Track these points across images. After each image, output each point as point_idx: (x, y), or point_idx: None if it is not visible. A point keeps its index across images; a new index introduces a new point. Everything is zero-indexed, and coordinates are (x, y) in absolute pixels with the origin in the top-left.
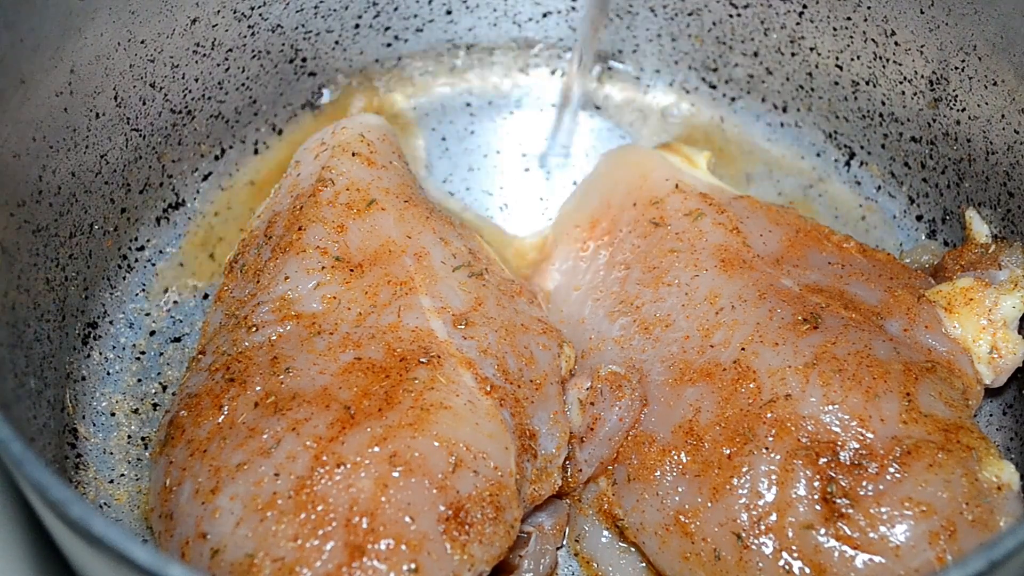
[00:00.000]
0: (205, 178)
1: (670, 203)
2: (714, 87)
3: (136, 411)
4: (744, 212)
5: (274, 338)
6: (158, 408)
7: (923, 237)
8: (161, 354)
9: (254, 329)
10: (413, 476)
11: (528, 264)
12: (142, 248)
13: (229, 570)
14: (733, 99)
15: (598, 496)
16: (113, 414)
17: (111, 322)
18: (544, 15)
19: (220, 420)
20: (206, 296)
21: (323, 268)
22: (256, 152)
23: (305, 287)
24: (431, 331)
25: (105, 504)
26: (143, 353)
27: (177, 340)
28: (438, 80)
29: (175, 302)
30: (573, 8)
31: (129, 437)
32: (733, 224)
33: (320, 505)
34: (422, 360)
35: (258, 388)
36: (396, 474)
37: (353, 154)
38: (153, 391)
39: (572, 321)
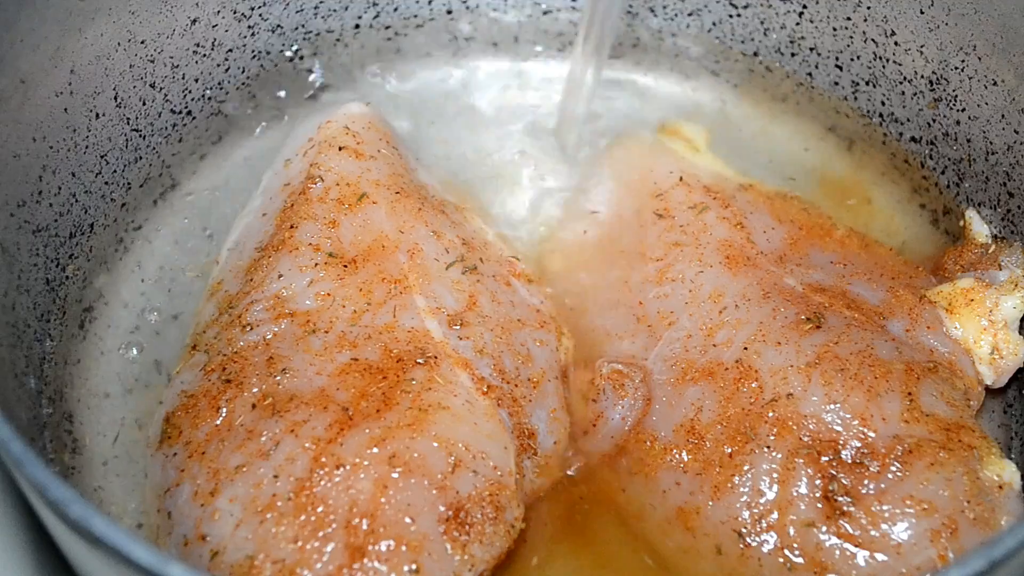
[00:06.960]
0: (202, 158)
1: (674, 196)
2: (717, 75)
3: (130, 391)
4: (748, 206)
5: (269, 337)
6: (150, 388)
7: (927, 224)
8: (156, 333)
9: (249, 328)
10: (412, 477)
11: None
12: (139, 227)
13: (229, 572)
14: (736, 85)
15: (601, 489)
16: (107, 395)
17: (106, 303)
18: (544, 13)
19: (218, 422)
20: (201, 274)
21: (316, 265)
22: (254, 133)
23: (299, 284)
24: (427, 331)
25: (100, 488)
26: (137, 328)
27: (174, 318)
28: (437, 66)
29: (170, 279)
30: (573, 8)
31: (123, 418)
32: (738, 219)
33: (320, 507)
34: (419, 361)
35: (255, 390)
36: (395, 475)
37: (340, 148)
38: (147, 370)
39: (574, 313)
